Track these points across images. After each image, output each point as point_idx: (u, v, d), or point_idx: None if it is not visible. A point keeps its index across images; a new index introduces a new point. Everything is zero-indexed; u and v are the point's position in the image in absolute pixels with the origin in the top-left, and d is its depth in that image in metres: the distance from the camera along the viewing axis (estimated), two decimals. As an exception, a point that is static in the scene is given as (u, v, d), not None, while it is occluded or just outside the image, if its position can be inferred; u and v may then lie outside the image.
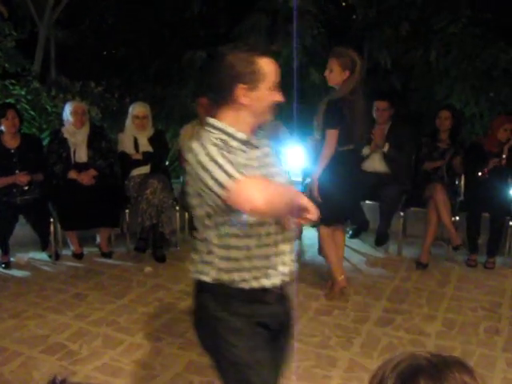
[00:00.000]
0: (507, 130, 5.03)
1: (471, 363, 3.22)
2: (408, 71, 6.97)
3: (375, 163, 5.35)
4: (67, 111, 5.04)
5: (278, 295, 1.95)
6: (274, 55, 1.87)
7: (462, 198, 5.32)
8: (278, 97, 1.89)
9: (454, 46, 6.45)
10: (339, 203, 3.99)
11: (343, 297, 4.21)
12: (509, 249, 5.10)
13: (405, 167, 5.33)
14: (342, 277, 4.25)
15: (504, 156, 4.97)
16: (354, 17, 7.22)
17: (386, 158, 5.27)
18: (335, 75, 3.87)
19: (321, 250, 4.58)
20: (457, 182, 5.37)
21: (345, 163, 3.98)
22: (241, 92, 1.80)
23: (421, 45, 6.71)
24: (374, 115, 5.31)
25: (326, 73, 3.94)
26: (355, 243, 5.51)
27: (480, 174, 4.99)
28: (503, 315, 3.98)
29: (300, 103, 6.12)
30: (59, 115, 5.58)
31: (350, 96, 3.83)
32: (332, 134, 3.86)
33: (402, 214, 5.17)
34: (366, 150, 5.32)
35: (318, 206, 1.77)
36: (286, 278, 1.93)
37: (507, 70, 6.21)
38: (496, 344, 3.54)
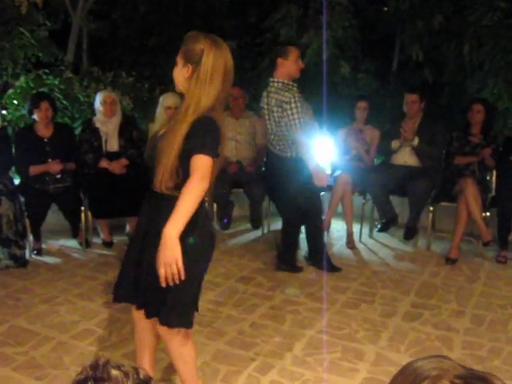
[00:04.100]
0: None
1: (500, 361, 3.14)
2: (440, 65, 6.89)
3: (405, 156, 5.31)
4: (98, 101, 5.08)
5: None
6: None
7: (493, 193, 5.25)
8: None
9: (487, 39, 6.34)
10: None
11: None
12: (540, 246, 5.03)
13: (435, 161, 5.27)
14: None
15: None
16: (386, 9, 7.16)
17: (416, 151, 5.23)
18: (177, 73, 2.35)
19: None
20: (488, 177, 5.31)
21: None
22: None
23: (454, 38, 6.62)
24: (404, 108, 5.27)
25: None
26: (384, 237, 5.49)
27: None
28: (533, 313, 3.94)
29: (330, 96, 6.11)
30: (91, 105, 5.65)
31: (210, 113, 2.29)
32: None
33: (431, 208, 5.13)
34: (395, 144, 5.29)
35: None
36: None
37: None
38: (525, 342, 3.50)
